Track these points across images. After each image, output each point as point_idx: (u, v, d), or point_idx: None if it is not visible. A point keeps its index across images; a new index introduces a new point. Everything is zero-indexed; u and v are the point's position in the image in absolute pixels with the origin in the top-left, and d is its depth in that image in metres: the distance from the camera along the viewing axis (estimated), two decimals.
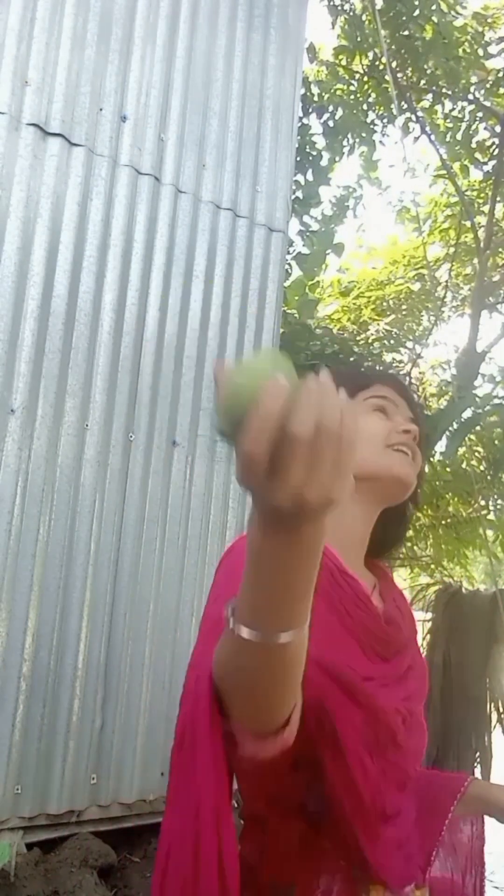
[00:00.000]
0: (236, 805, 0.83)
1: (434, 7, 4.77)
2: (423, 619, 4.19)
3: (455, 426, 3.45)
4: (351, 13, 5.17)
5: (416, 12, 4.65)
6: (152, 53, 2.36)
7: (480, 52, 5.10)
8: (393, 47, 4.84)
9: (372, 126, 5.65)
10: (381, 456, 1.00)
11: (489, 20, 5.25)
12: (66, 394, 2.10)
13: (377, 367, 1.09)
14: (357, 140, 5.63)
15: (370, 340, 6.03)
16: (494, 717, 3.92)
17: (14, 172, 2.06)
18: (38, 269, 2.08)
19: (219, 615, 0.72)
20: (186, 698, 0.77)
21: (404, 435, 1.01)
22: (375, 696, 0.88)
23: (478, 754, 3.89)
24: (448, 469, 5.04)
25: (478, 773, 3.89)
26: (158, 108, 2.36)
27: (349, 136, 5.54)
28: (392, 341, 6.08)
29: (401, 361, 6.29)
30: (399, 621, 1.01)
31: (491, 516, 5.51)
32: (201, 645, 0.84)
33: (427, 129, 5.48)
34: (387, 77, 4.55)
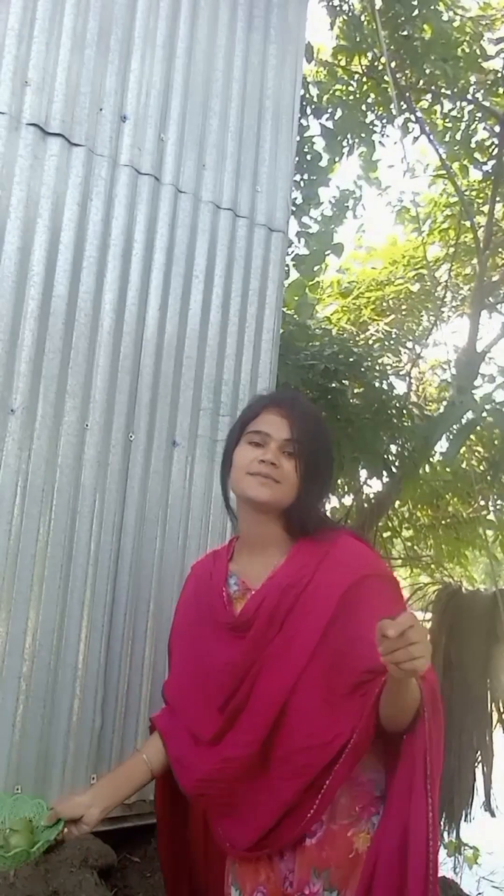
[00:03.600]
0: None
1: (433, 7, 4.77)
2: (423, 619, 4.19)
3: (455, 429, 3.44)
4: (350, 13, 5.17)
5: (416, 12, 4.65)
6: (152, 53, 2.36)
7: (478, 51, 5.10)
8: (392, 48, 4.84)
9: (371, 126, 5.65)
10: (241, 481, 1.37)
11: (485, 22, 5.25)
12: (66, 394, 2.10)
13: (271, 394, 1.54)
14: (357, 140, 5.63)
15: (371, 342, 6.02)
16: (495, 716, 3.92)
17: (14, 172, 2.06)
18: (38, 269, 2.08)
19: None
20: None
21: (261, 465, 1.34)
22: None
23: (479, 753, 3.90)
24: (448, 469, 5.05)
25: (479, 772, 3.90)
26: (158, 108, 2.36)
27: (349, 136, 5.54)
28: (392, 342, 6.07)
29: (400, 361, 6.29)
30: (252, 606, 1.33)
31: (491, 516, 5.51)
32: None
33: (426, 129, 5.48)
34: (386, 77, 4.55)
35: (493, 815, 3.89)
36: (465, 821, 3.90)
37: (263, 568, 1.38)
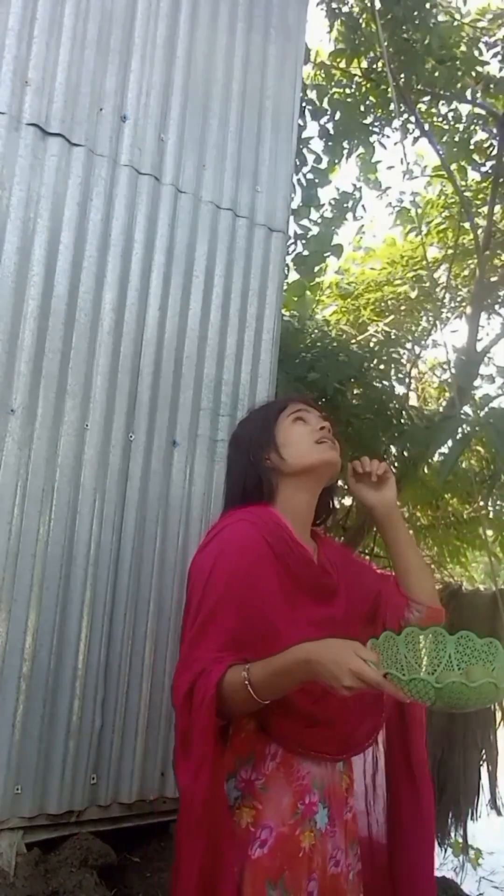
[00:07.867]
0: None
1: (429, 7, 4.78)
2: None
3: (450, 443, 3.40)
4: (349, 15, 5.17)
5: (416, 12, 4.66)
6: (152, 53, 2.36)
7: (475, 52, 5.11)
8: (391, 50, 4.85)
9: (371, 128, 5.66)
10: (309, 452, 1.44)
11: (482, 25, 5.26)
12: (66, 394, 2.10)
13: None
14: (356, 142, 5.64)
15: (371, 344, 6.02)
16: (499, 715, 3.93)
17: (14, 172, 2.06)
18: (38, 269, 2.08)
19: (221, 611, 1.32)
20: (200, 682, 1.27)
21: (322, 431, 1.45)
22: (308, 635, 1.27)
23: (483, 752, 3.91)
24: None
25: (484, 771, 3.91)
26: (158, 108, 2.36)
27: (348, 138, 5.55)
28: (391, 342, 6.07)
29: (400, 363, 6.28)
30: (331, 573, 1.47)
31: (491, 516, 5.51)
32: (210, 637, 1.31)
33: (426, 129, 5.49)
34: (386, 78, 4.55)
35: (499, 813, 3.91)
36: (471, 819, 3.91)
37: (306, 538, 1.50)
